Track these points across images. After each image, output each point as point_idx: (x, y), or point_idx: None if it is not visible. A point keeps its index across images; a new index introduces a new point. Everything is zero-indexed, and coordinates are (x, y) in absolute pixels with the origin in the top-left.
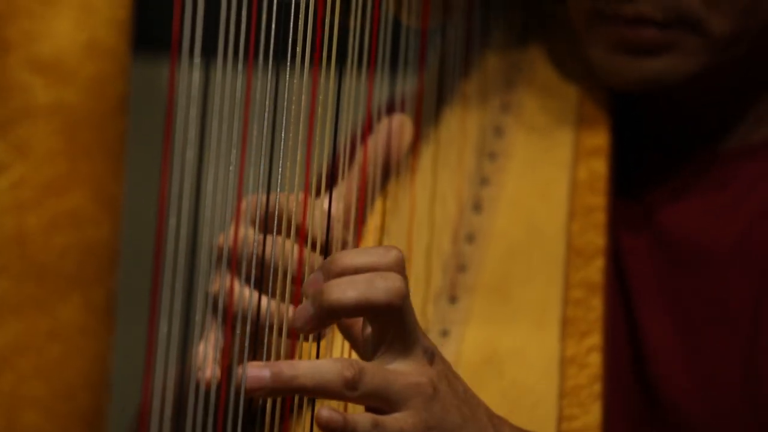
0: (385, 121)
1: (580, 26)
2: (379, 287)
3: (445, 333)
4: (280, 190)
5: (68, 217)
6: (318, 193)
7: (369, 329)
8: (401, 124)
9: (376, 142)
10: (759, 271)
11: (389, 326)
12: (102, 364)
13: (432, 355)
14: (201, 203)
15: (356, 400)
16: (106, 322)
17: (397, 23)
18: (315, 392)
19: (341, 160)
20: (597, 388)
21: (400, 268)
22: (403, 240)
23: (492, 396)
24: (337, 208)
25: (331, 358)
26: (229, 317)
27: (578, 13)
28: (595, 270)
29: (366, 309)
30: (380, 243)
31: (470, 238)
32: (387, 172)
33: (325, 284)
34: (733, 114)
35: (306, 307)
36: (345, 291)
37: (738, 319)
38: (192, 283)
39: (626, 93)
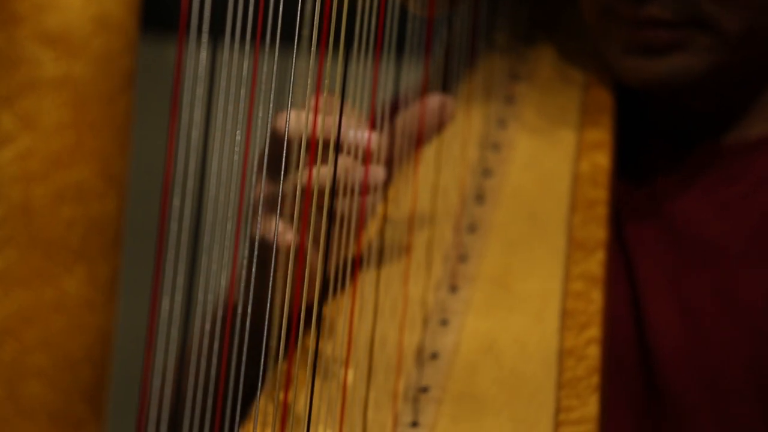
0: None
1: (592, 23)
2: None
3: (444, 322)
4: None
5: (74, 190)
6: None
7: None
8: (442, 104)
9: (411, 115)
10: None
11: None
12: (105, 339)
13: None
14: (205, 183)
15: None
16: (109, 297)
17: (404, 9)
18: None
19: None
20: (595, 380)
21: None
22: (404, 228)
23: (490, 385)
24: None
25: None
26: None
27: (590, 12)
28: (596, 263)
29: None
30: (381, 231)
31: (472, 229)
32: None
33: None
34: (742, 105)
35: None
36: None
37: (747, 313)
38: (194, 261)
39: (641, 90)
